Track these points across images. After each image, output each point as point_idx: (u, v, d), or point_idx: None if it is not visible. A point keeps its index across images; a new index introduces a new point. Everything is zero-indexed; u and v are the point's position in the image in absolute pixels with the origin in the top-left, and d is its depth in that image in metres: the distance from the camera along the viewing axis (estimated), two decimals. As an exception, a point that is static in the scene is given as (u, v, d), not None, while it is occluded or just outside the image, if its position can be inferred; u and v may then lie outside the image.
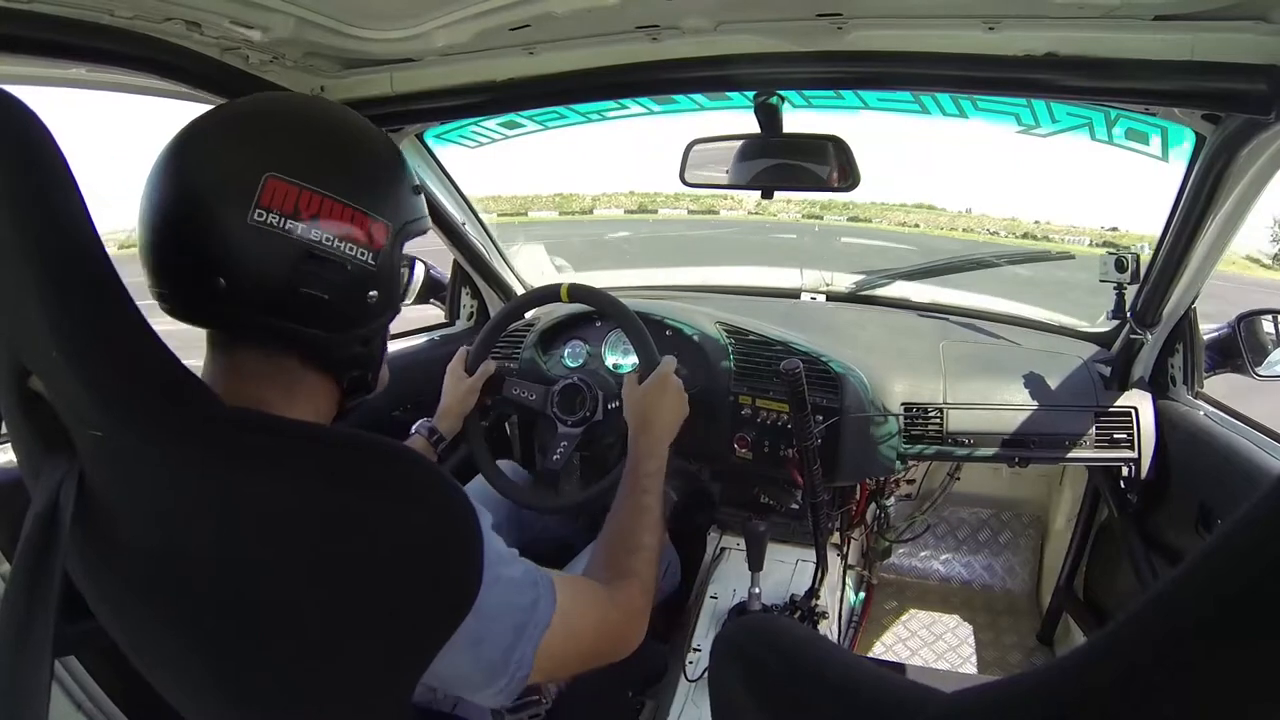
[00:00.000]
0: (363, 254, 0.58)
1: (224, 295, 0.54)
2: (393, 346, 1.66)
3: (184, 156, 0.56)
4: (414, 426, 1.19)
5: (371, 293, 0.60)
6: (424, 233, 0.65)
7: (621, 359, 1.51)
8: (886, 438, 1.37)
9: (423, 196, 0.66)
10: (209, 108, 0.60)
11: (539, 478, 1.61)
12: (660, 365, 1.09)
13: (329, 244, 0.56)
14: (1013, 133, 1.20)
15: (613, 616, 0.69)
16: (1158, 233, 1.17)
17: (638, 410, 1.04)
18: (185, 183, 0.55)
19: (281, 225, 0.54)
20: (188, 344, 0.58)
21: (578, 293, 1.26)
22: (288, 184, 0.54)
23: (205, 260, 0.54)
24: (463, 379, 1.23)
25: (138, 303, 0.47)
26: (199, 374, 0.59)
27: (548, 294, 1.29)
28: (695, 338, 1.47)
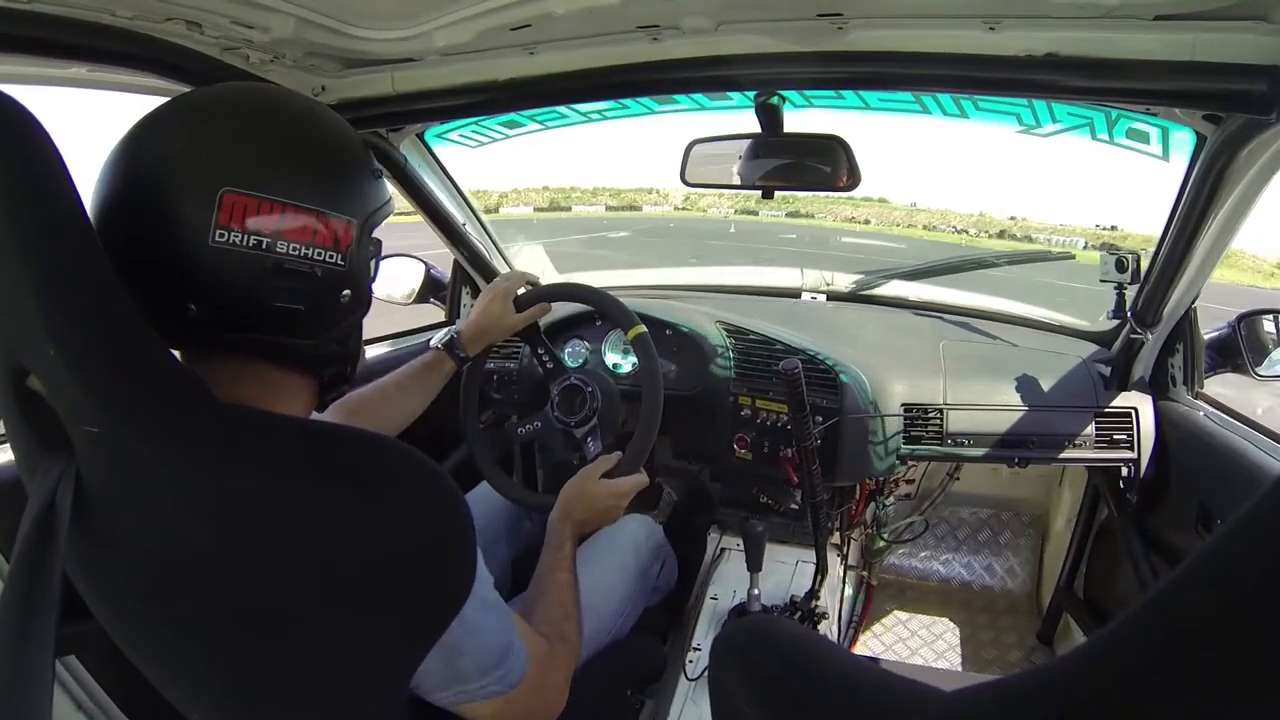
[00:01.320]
0: (331, 256, 0.56)
1: (195, 320, 0.53)
2: (392, 347, 1.66)
3: (135, 167, 0.52)
4: (435, 337, 1.13)
5: (344, 292, 0.59)
6: (389, 216, 0.63)
7: (621, 358, 1.51)
8: (886, 438, 1.37)
9: (384, 179, 0.64)
10: None
11: (546, 481, 1.61)
12: (635, 478, 1.06)
13: (296, 253, 0.54)
14: (1012, 131, 1.20)
15: (555, 681, 0.73)
16: (1149, 231, 1.17)
17: (580, 494, 1.02)
18: (137, 206, 0.51)
19: (245, 242, 0.52)
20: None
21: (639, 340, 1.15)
22: (245, 197, 0.51)
23: (173, 289, 0.52)
24: (508, 311, 1.14)
25: None
26: None
27: (622, 316, 1.18)
28: (695, 337, 1.47)
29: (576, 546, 0.98)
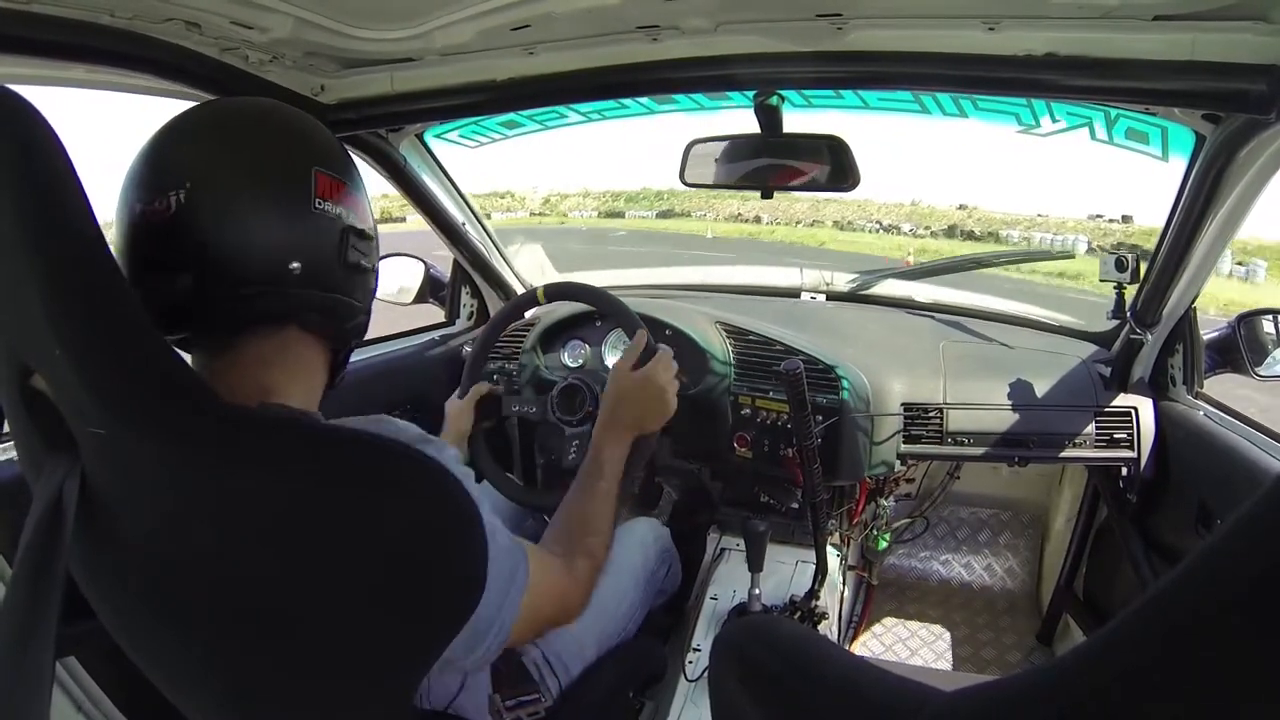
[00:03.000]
0: (364, 224, 0.67)
1: (294, 280, 0.59)
2: (392, 347, 1.66)
3: (228, 174, 0.58)
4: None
5: (372, 244, 0.68)
6: None
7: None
8: (886, 437, 1.37)
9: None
10: None
11: (543, 480, 1.61)
12: (656, 355, 1.00)
13: (353, 219, 0.65)
14: (1013, 131, 1.19)
15: (569, 589, 0.75)
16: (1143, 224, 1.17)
17: (616, 394, 0.97)
18: (244, 194, 0.58)
19: (330, 210, 0.62)
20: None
21: (555, 292, 1.19)
22: (325, 174, 0.62)
23: (281, 251, 0.59)
24: (458, 406, 1.24)
25: None
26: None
27: (524, 302, 1.24)
28: (695, 338, 1.47)
29: (628, 447, 0.93)
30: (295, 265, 0.59)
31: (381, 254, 0.73)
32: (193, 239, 0.56)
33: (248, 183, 0.58)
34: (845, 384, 1.36)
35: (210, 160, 0.58)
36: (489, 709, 0.88)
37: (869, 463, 1.38)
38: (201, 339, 0.60)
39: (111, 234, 0.55)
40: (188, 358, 0.59)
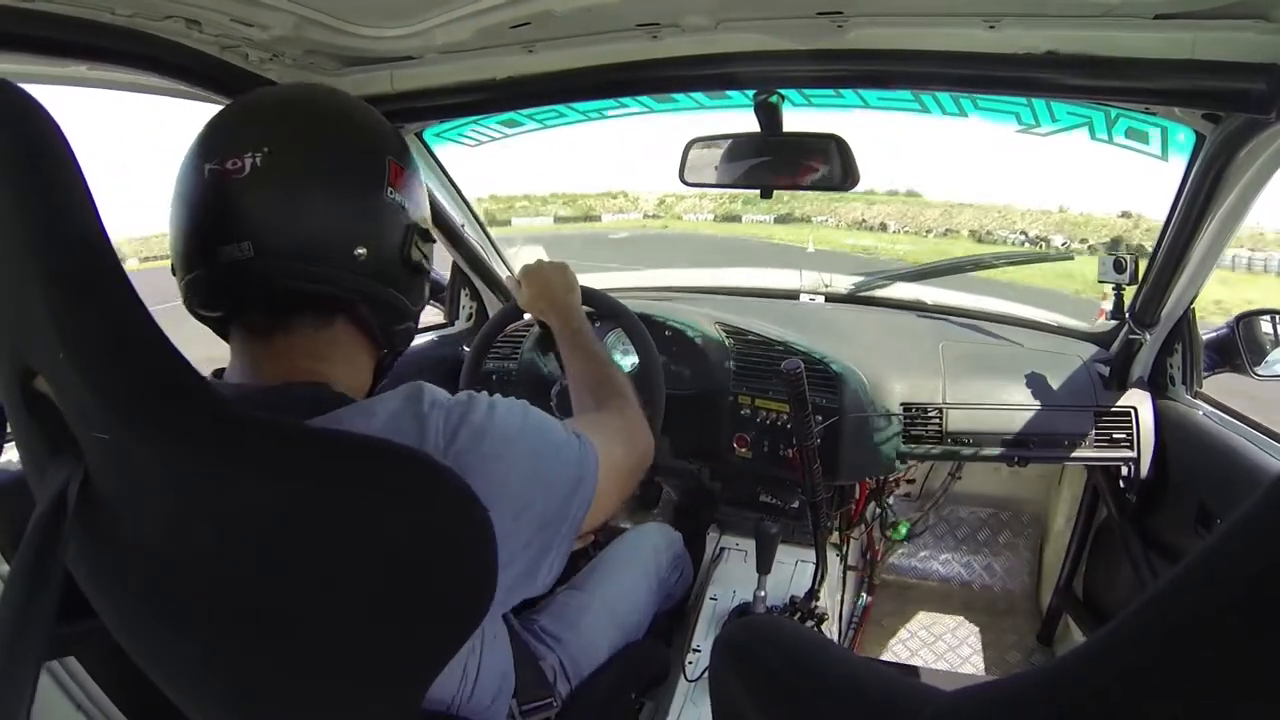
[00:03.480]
0: (427, 222, 0.66)
1: (357, 266, 0.58)
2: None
3: (305, 146, 0.58)
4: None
5: (431, 249, 0.68)
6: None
7: (621, 359, 1.51)
8: (886, 438, 1.37)
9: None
10: (212, 105, 0.60)
11: None
12: (520, 270, 1.10)
13: (418, 217, 0.64)
14: (1012, 130, 1.19)
15: (634, 428, 0.76)
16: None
17: (534, 294, 1.06)
18: (321, 168, 0.58)
19: (400, 201, 0.61)
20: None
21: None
22: (397, 165, 0.62)
23: (349, 234, 0.58)
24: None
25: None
26: (207, 370, 0.58)
27: (509, 314, 1.26)
28: (695, 338, 1.47)
29: (575, 320, 0.99)
30: (361, 251, 0.59)
31: None
32: (263, 204, 0.56)
33: (327, 157, 0.58)
34: (845, 384, 1.36)
35: (293, 130, 0.58)
36: (505, 714, 0.88)
37: (869, 463, 1.38)
38: (247, 317, 0.60)
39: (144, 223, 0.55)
40: (189, 354, 0.59)
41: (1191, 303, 1.25)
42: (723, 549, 1.46)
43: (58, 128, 0.44)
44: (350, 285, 0.59)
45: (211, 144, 0.57)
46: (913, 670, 1.61)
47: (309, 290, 0.58)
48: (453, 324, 1.85)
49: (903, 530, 1.76)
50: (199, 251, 0.57)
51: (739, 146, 1.15)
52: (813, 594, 1.26)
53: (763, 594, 1.21)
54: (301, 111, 0.60)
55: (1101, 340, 1.53)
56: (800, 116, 1.18)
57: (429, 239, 0.65)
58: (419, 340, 1.72)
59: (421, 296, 0.68)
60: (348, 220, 0.58)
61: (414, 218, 0.63)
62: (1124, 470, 1.37)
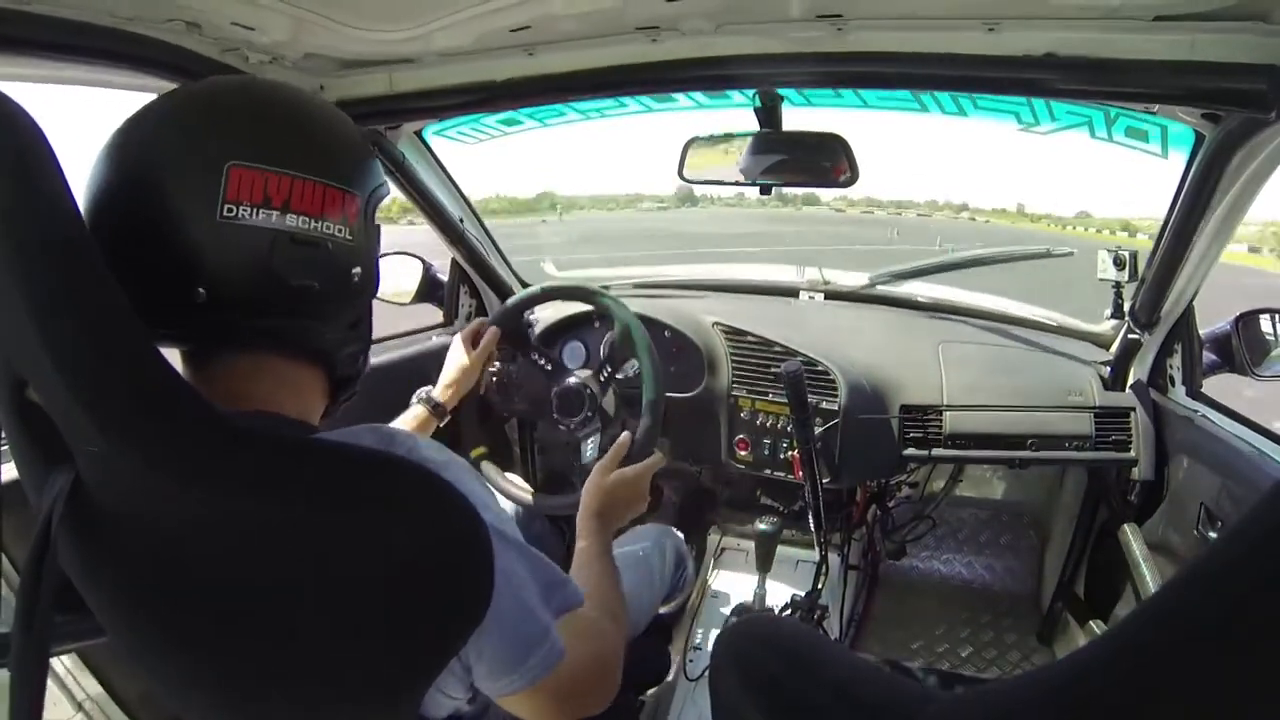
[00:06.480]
0: (340, 230, 0.56)
1: (205, 305, 0.51)
2: (390, 347, 1.65)
3: (131, 155, 0.52)
4: (415, 395, 1.17)
5: (355, 269, 0.58)
6: (386, 196, 0.63)
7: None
8: (886, 440, 1.37)
9: (378, 160, 0.64)
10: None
11: (547, 482, 1.61)
12: (650, 460, 1.00)
13: (306, 226, 0.53)
14: (1012, 129, 1.19)
15: (604, 653, 0.67)
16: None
17: (594, 495, 0.94)
18: (138, 184, 0.51)
19: (254, 216, 0.51)
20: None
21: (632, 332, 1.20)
22: (251, 170, 0.51)
23: (178, 270, 0.50)
24: (466, 353, 1.20)
25: None
26: None
27: (579, 294, 1.27)
28: (693, 340, 1.47)
29: (610, 537, 0.91)
30: (201, 290, 0.52)
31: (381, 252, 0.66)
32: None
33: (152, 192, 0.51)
34: (844, 386, 1.36)
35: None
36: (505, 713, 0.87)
37: (870, 466, 1.38)
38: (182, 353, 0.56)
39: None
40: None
41: (1191, 301, 1.25)
42: (723, 549, 1.47)
43: (42, 134, 0.43)
44: (218, 325, 0.53)
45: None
46: (913, 670, 1.61)
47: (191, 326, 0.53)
48: (451, 323, 1.85)
49: (891, 545, 1.76)
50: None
51: (738, 145, 1.15)
52: (814, 594, 1.26)
53: (763, 593, 1.21)
54: (115, 157, 0.52)
55: (1101, 340, 1.53)
56: (800, 115, 1.18)
57: (304, 244, 0.53)
58: (417, 340, 1.72)
59: (345, 304, 0.59)
60: (182, 255, 0.50)
61: (285, 225, 0.52)
62: (1124, 471, 1.37)
